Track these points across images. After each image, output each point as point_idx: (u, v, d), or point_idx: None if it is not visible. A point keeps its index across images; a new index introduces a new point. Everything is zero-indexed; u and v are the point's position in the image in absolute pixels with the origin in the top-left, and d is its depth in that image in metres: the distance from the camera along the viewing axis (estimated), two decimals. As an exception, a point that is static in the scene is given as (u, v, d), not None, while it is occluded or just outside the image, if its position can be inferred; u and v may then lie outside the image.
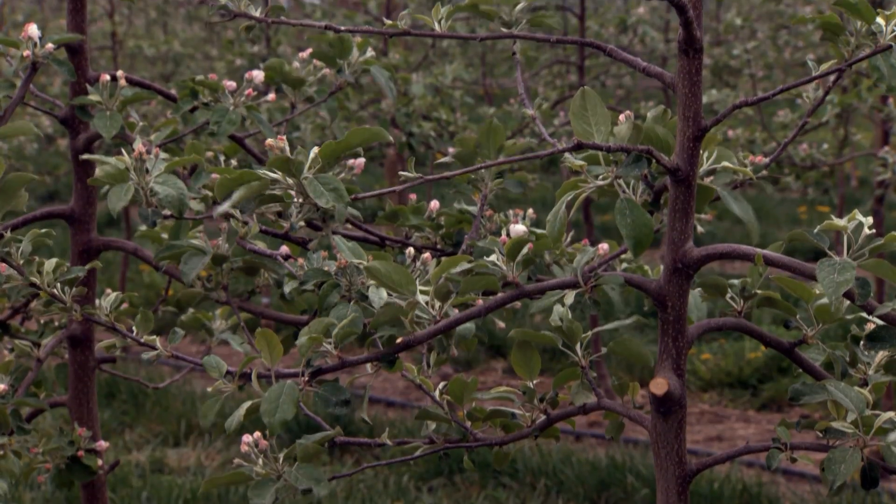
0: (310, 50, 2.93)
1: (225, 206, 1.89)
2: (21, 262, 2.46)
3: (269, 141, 1.77)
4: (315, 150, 1.88)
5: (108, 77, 2.63)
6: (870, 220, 1.94)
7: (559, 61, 9.12)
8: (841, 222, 1.94)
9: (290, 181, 1.89)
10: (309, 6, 9.16)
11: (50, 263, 2.46)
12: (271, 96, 2.77)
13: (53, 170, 11.05)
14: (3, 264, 2.44)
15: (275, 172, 2.07)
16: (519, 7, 2.28)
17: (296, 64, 2.93)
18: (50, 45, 2.58)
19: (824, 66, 2.10)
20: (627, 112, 2.14)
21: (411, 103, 6.94)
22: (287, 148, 1.81)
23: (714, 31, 10.99)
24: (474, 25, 9.19)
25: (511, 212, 2.70)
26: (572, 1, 7.76)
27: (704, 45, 2.02)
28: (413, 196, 2.78)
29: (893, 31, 2.00)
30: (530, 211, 2.66)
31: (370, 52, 2.91)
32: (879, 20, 2.00)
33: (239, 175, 1.88)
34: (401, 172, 2.38)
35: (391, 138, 1.87)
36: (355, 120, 7.61)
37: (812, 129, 6.70)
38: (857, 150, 7.74)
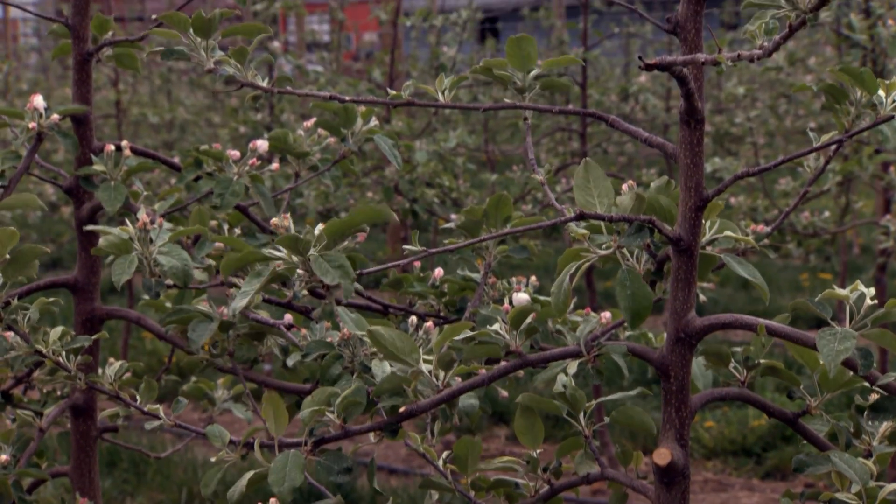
0: (314, 119, 2.95)
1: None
2: (27, 330, 2.46)
3: (274, 221, 1.79)
4: (320, 226, 1.89)
5: (112, 147, 2.65)
6: (872, 290, 1.95)
7: (561, 129, 9.16)
8: (842, 292, 1.94)
9: (296, 259, 1.90)
10: (312, 74, 9.20)
11: (55, 332, 2.47)
12: (275, 165, 2.79)
13: (57, 237, 11.08)
14: (9, 332, 2.44)
15: (280, 250, 2.08)
16: (532, 74, 2.30)
17: (300, 132, 2.94)
18: (55, 117, 2.60)
19: (825, 137, 2.11)
20: (630, 182, 2.15)
21: (415, 170, 6.96)
22: (291, 226, 1.82)
23: (715, 98, 11.05)
24: (477, 93, 9.24)
25: (514, 279, 2.70)
26: (574, 69, 7.79)
27: (706, 112, 2.04)
28: (417, 264, 2.79)
29: (894, 101, 2.01)
30: (533, 278, 2.67)
31: (374, 122, 2.92)
32: (880, 91, 2.01)
33: (244, 255, 1.90)
34: (405, 246, 2.39)
35: (396, 218, 1.88)
36: (358, 187, 7.63)
37: (814, 197, 6.72)
38: (858, 218, 7.77)
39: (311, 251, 1.91)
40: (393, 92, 2.37)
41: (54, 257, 12.47)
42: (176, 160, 2.91)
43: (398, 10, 7.98)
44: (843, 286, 7.35)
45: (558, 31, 10.97)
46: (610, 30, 10.29)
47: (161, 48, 2.55)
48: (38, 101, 2.59)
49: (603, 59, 14.16)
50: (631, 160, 12.06)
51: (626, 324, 2.35)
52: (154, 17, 2.54)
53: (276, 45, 7.41)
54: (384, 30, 9.38)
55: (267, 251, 1.94)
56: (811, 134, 2.18)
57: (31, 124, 2.57)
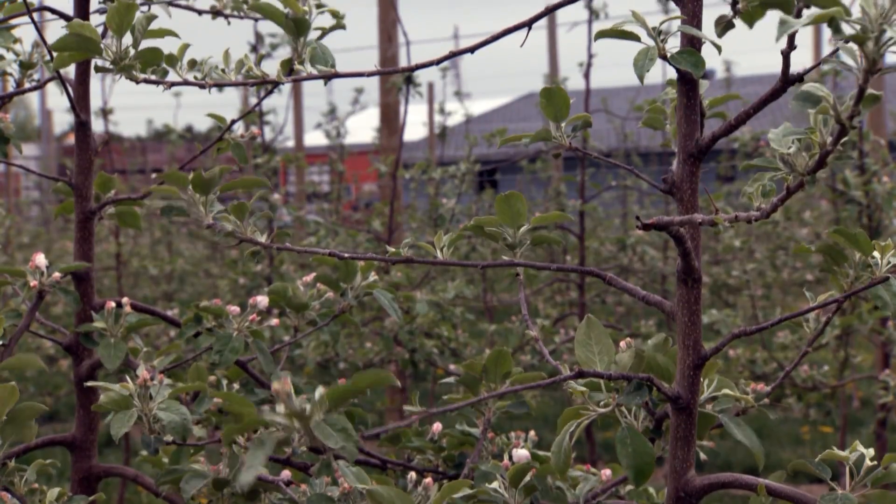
0: (313, 274, 2.96)
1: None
2: (24, 490, 2.45)
3: (276, 386, 1.79)
4: (321, 390, 1.89)
5: (113, 304, 2.66)
6: (871, 451, 1.94)
7: (559, 280, 9.19)
8: (842, 453, 1.94)
9: (298, 425, 1.90)
10: (312, 225, 9.26)
11: (52, 493, 2.45)
12: (275, 321, 2.80)
13: (54, 390, 11.03)
14: (6, 493, 2.43)
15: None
16: (523, 230, 2.32)
17: (299, 284, 2.96)
18: (57, 275, 2.62)
19: (821, 297, 2.13)
20: (628, 339, 2.16)
21: (414, 321, 6.97)
22: (292, 392, 1.82)
23: (713, 250, 11.11)
24: (475, 243, 9.29)
25: (513, 434, 2.70)
26: (571, 220, 7.85)
27: (703, 263, 2.05)
28: (415, 417, 2.78)
29: (889, 262, 2.02)
30: (532, 433, 2.67)
31: (373, 276, 2.94)
32: (875, 252, 2.03)
33: (245, 423, 1.89)
34: (405, 407, 2.39)
35: (398, 383, 1.88)
36: (357, 336, 7.63)
37: (813, 351, 6.72)
38: (857, 372, 7.75)
39: (314, 418, 1.92)
40: (392, 249, 2.39)
41: (52, 410, 12.42)
42: (175, 312, 2.92)
43: (398, 162, 8.06)
44: (843, 440, 7.27)
45: (556, 182, 11.08)
46: (607, 182, 10.38)
47: (162, 203, 2.58)
48: (41, 259, 2.61)
49: (601, 209, 14.27)
50: (629, 310, 12.07)
51: (627, 479, 2.34)
52: (154, 174, 2.57)
53: (276, 196, 7.47)
54: (384, 181, 9.46)
55: (268, 416, 1.94)
56: (808, 294, 2.19)
57: (33, 282, 2.59)
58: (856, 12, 1.55)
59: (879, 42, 1.53)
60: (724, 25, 1.94)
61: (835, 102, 1.63)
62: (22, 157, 2.83)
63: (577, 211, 7.80)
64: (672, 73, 2.01)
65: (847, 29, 1.54)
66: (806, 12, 1.54)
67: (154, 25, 2.28)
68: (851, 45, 1.57)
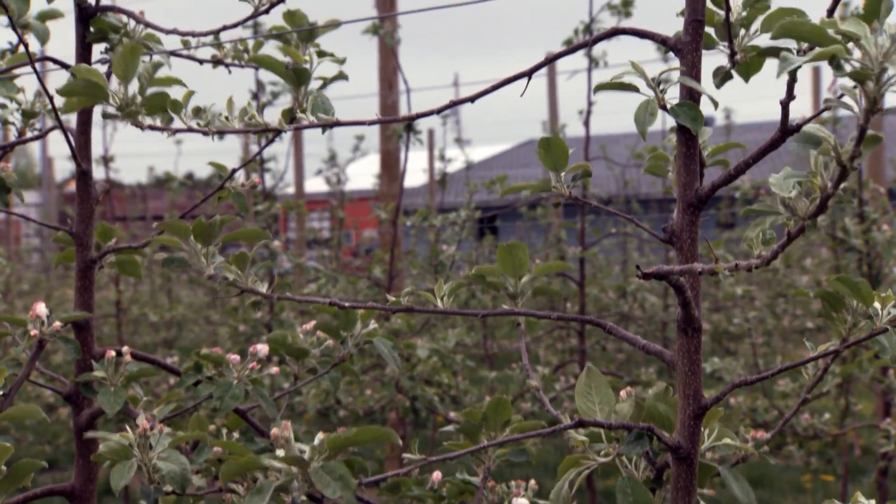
0: (313, 322, 2.96)
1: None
2: (21, 541, 2.44)
3: (275, 431, 1.79)
4: (321, 436, 1.89)
5: (113, 353, 2.66)
6: (872, 501, 1.94)
7: (560, 326, 9.18)
8: (843, 504, 1.94)
9: (296, 470, 1.90)
10: (312, 272, 9.26)
11: (50, 543, 2.45)
12: (275, 370, 2.79)
13: (53, 439, 11.01)
14: (3, 545, 2.42)
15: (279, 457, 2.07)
16: (524, 280, 2.32)
17: (299, 332, 2.95)
18: (57, 324, 2.61)
19: (822, 347, 2.12)
20: (629, 388, 2.16)
21: (415, 368, 6.97)
22: (292, 436, 1.82)
23: (713, 297, 11.10)
24: (475, 290, 9.29)
25: (513, 483, 2.69)
26: (572, 265, 7.85)
27: (704, 309, 2.05)
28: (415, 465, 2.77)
29: (889, 313, 2.02)
30: (532, 482, 2.66)
31: (373, 324, 2.93)
32: (876, 303, 2.02)
33: (244, 463, 1.89)
34: (405, 455, 2.38)
35: (400, 441, 1.88)
36: (357, 384, 7.62)
37: (814, 399, 6.71)
38: (858, 420, 7.73)
39: (312, 464, 1.92)
40: (392, 297, 2.39)
41: (50, 458, 12.38)
42: (175, 359, 2.92)
43: (398, 209, 8.08)
44: (844, 489, 7.24)
45: (556, 229, 11.09)
46: (607, 228, 10.40)
47: (163, 255, 2.58)
48: (41, 308, 2.61)
49: (601, 256, 14.26)
50: (630, 357, 12.05)
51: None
52: (155, 222, 2.58)
53: (276, 244, 7.48)
54: (384, 228, 9.48)
55: (266, 461, 1.94)
56: (808, 344, 2.19)
57: (34, 331, 2.59)
58: (856, 54, 1.56)
59: (880, 81, 1.54)
60: (721, 76, 1.95)
61: (836, 143, 1.64)
62: (23, 205, 2.84)
63: (578, 258, 7.81)
64: (672, 121, 2.02)
65: (848, 68, 1.55)
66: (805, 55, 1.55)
67: (158, 74, 2.29)
68: (852, 86, 1.57)
